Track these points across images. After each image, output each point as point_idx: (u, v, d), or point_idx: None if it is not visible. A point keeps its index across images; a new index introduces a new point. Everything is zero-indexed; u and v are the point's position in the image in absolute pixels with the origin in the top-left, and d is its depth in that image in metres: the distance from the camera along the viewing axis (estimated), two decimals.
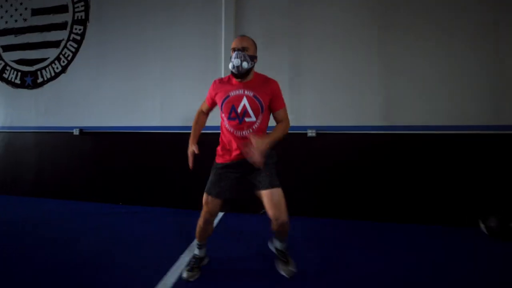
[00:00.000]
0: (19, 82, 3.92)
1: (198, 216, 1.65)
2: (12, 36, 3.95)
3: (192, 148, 1.59)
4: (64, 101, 3.73)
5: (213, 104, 1.66)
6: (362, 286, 1.60)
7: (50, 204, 3.44)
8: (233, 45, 1.49)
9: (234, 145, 1.53)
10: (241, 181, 1.58)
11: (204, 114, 1.74)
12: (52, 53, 3.79)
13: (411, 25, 2.83)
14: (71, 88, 3.71)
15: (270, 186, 1.46)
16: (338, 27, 2.98)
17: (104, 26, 3.60)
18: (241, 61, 1.40)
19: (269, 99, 1.52)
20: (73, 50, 3.71)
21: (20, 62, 3.91)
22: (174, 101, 3.38)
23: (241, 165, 1.53)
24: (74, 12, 3.70)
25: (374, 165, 2.88)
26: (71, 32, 3.72)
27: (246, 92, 1.48)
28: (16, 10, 3.93)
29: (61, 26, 3.75)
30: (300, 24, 3.05)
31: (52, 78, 3.79)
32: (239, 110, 1.48)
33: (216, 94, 1.57)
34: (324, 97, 3.02)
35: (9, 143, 3.93)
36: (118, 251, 2.05)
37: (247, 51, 1.45)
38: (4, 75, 3.98)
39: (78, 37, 3.69)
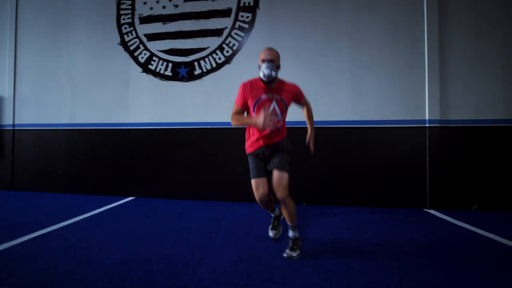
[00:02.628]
0: (170, 74, 3.56)
1: None
2: (159, 23, 3.60)
3: (262, 114, 1.61)
4: (229, 94, 3.41)
5: (244, 106, 1.85)
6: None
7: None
8: (262, 56, 1.75)
9: (260, 138, 1.84)
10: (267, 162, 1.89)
11: (237, 114, 1.88)
12: (212, 42, 3.48)
13: None
14: (237, 80, 3.39)
15: (278, 168, 1.79)
16: None
17: (275, 12, 3.34)
18: (271, 71, 1.69)
19: (292, 99, 1.86)
20: (239, 39, 3.41)
21: (170, 52, 3.56)
22: (365, 94, 3.17)
23: (264, 151, 1.87)
24: None
25: None
26: (236, 19, 3.43)
27: (274, 96, 1.79)
28: None
29: (224, 13, 3.45)
30: None
31: (213, 70, 3.47)
32: (269, 111, 1.74)
33: (248, 97, 1.81)
34: None
35: (159, 139, 3.55)
36: None
37: (274, 62, 1.73)
38: (150, 66, 3.61)
39: (246, 25, 3.41)
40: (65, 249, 1.83)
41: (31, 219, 2.48)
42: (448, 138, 3.04)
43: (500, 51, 3.00)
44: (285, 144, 1.90)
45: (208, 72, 3.48)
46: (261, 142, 1.86)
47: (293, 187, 3.06)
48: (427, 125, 3.05)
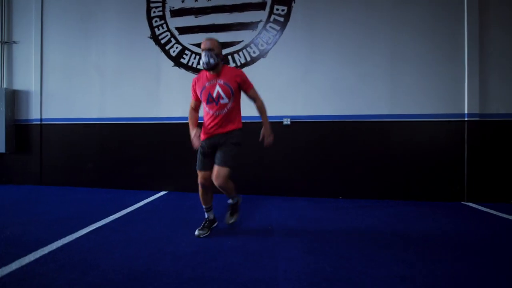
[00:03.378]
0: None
1: None
2: (191, 17, 3.56)
3: (194, 131, 1.91)
4: (264, 88, 3.37)
5: (197, 98, 2.02)
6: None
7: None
8: (201, 46, 1.88)
9: (212, 124, 1.95)
10: (214, 152, 1.99)
11: (194, 111, 2.07)
12: (246, 35, 3.44)
13: None
14: (273, 74, 3.38)
15: (219, 163, 1.89)
16: None
17: (311, 5, 3.31)
18: (209, 58, 1.82)
19: (237, 83, 1.93)
20: (274, 32, 3.38)
21: None
22: (405, 88, 3.16)
23: (212, 142, 1.97)
24: None
25: None
26: (271, 12, 3.39)
27: (218, 81, 1.91)
28: None
29: (258, 6, 3.42)
30: None
31: (247, 63, 3.44)
32: (214, 95, 1.90)
33: (196, 88, 1.98)
34: None
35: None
36: None
37: (213, 50, 1.84)
38: (182, 60, 3.57)
39: (281, 19, 3.37)
40: (129, 241, 1.81)
41: (79, 213, 2.46)
42: (487, 132, 3.04)
43: None
44: (234, 136, 1.97)
45: (242, 66, 3.45)
46: (212, 130, 1.96)
47: (330, 181, 3.29)
48: (466, 119, 3.06)
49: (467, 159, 3.06)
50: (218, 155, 1.93)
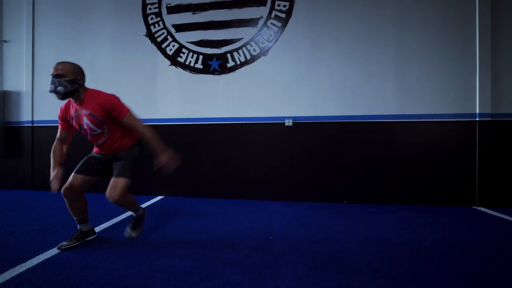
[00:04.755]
0: (201, 66, 3.37)
1: None
2: (189, 13, 3.40)
3: (56, 170, 1.66)
4: (264, 88, 3.24)
5: (65, 127, 1.79)
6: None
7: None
8: (51, 71, 1.61)
9: (99, 149, 1.82)
10: (106, 168, 1.83)
11: (61, 142, 1.80)
12: (246, 32, 3.29)
13: None
14: (274, 73, 3.23)
15: (117, 175, 1.70)
16: None
17: (316, 2, 3.16)
18: (55, 87, 1.57)
19: (104, 112, 1.66)
20: (276, 29, 3.23)
21: (201, 43, 3.37)
22: (413, 87, 3.01)
23: (104, 158, 1.82)
24: None
25: None
26: (272, 8, 3.24)
27: (83, 111, 1.67)
28: None
29: (259, 2, 3.27)
30: None
31: (247, 62, 3.29)
32: (84, 126, 1.70)
33: (64, 118, 1.76)
34: None
35: (190, 135, 3.37)
36: None
37: (63, 77, 1.58)
38: (179, 58, 3.42)
39: (283, 15, 3.22)
40: (118, 255, 1.66)
41: (67, 221, 2.30)
42: (500, 132, 2.89)
43: None
44: (128, 152, 1.80)
45: (242, 64, 3.29)
46: (103, 153, 1.82)
47: (333, 185, 3.14)
48: (477, 119, 2.90)
49: (478, 161, 2.90)
50: (114, 169, 1.74)
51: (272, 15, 3.24)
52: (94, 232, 1.95)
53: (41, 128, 3.71)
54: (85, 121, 1.68)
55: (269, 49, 3.25)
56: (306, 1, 3.18)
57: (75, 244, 1.77)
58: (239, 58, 3.30)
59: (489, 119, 2.89)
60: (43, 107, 3.72)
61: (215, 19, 3.36)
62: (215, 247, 1.80)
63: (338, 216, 2.55)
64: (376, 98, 3.06)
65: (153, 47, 3.48)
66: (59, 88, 1.58)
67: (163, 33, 3.46)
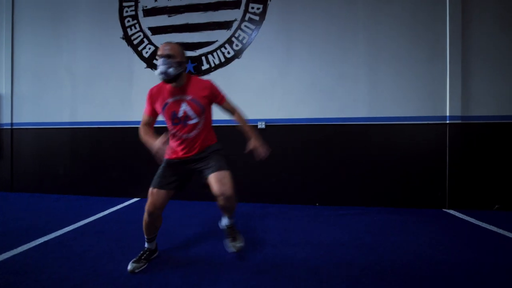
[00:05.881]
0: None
1: None
2: (165, 16, 3.42)
3: (157, 141, 1.40)
4: (238, 90, 3.25)
5: (152, 114, 1.63)
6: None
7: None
8: (158, 52, 1.52)
9: (179, 148, 1.62)
10: (189, 175, 1.71)
11: (148, 127, 1.63)
12: (220, 35, 3.30)
13: None
14: (248, 75, 3.24)
15: (218, 169, 1.55)
16: None
17: (288, 3, 3.17)
18: (167, 68, 1.46)
19: (207, 98, 1.59)
20: (249, 32, 3.24)
21: None
22: (384, 89, 3.01)
23: (188, 161, 1.64)
24: None
25: None
26: (246, 11, 3.25)
27: (183, 97, 1.55)
28: None
29: (233, 4, 3.28)
30: None
31: (222, 65, 3.30)
32: (180, 114, 1.56)
33: (155, 103, 1.59)
34: None
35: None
36: None
37: (173, 57, 1.48)
38: (155, 61, 3.43)
39: (256, 17, 3.23)
40: (69, 259, 1.68)
41: (33, 224, 2.33)
42: (470, 135, 2.90)
43: None
44: (212, 148, 1.68)
45: (217, 67, 3.31)
46: (181, 154, 1.63)
47: (306, 187, 3.12)
48: (448, 122, 2.91)
49: (448, 164, 2.91)
50: (212, 165, 1.57)
51: (246, 18, 3.26)
52: (157, 250, 1.77)
53: (21, 130, 3.74)
54: (184, 107, 1.55)
55: (243, 51, 3.26)
56: (279, 4, 3.19)
57: (145, 266, 1.60)
58: (213, 60, 3.32)
59: (459, 121, 2.89)
60: (22, 110, 3.74)
61: (190, 22, 3.37)
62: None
63: (305, 219, 2.57)
64: (348, 100, 3.07)
65: (130, 50, 3.50)
66: (170, 70, 1.47)
67: (140, 36, 3.48)
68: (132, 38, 3.49)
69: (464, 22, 2.89)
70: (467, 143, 2.89)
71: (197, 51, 3.35)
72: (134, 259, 1.61)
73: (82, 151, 3.59)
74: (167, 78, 1.49)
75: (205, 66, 3.33)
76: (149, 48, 3.45)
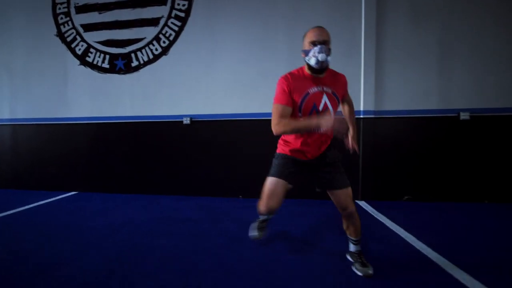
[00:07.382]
0: (107, 66, 3.46)
1: None
2: (96, 13, 3.46)
3: (324, 117, 1.25)
4: (166, 86, 3.34)
5: (291, 103, 1.38)
6: None
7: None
8: (312, 37, 1.33)
9: (306, 147, 1.45)
10: (306, 175, 1.55)
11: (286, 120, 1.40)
12: (149, 32, 3.36)
13: None
14: (175, 72, 3.32)
15: (345, 185, 1.47)
16: None
17: (214, 2, 3.20)
18: (326, 56, 1.30)
19: (342, 95, 1.49)
20: (176, 28, 3.29)
21: (107, 43, 3.44)
22: None
23: (311, 164, 1.50)
24: None
25: None
26: (172, 8, 3.29)
27: (325, 89, 1.40)
28: None
29: (160, 1, 3.31)
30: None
31: (150, 61, 3.37)
32: (320, 108, 1.38)
33: (293, 92, 1.37)
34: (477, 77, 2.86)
35: (99, 134, 3.50)
36: None
37: (328, 44, 1.34)
38: (87, 58, 3.50)
39: (182, 14, 3.28)
40: None
41: None
42: (382, 129, 3.00)
43: (437, 40, 2.90)
44: (333, 154, 1.52)
45: (145, 64, 3.38)
46: (307, 155, 1.48)
47: (228, 181, 3.32)
48: (361, 116, 3.00)
49: (362, 157, 3.03)
50: (338, 177, 1.47)
51: (173, 14, 3.30)
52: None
53: None
54: (325, 100, 1.38)
55: (170, 48, 3.32)
56: (203, 1, 3.23)
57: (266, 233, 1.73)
58: (142, 57, 3.38)
59: (372, 116, 2.99)
60: None
61: (120, 19, 3.41)
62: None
63: (203, 210, 2.72)
64: (269, 97, 3.14)
65: (63, 47, 3.56)
66: (329, 58, 1.32)
67: (72, 33, 3.53)
68: (66, 35, 3.54)
69: (379, 20, 2.94)
70: (379, 137, 3.00)
71: (127, 48, 3.41)
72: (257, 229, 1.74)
73: (23, 147, 3.70)
74: (322, 67, 1.34)
75: (134, 63, 3.40)
76: (82, 45, 3.51)
